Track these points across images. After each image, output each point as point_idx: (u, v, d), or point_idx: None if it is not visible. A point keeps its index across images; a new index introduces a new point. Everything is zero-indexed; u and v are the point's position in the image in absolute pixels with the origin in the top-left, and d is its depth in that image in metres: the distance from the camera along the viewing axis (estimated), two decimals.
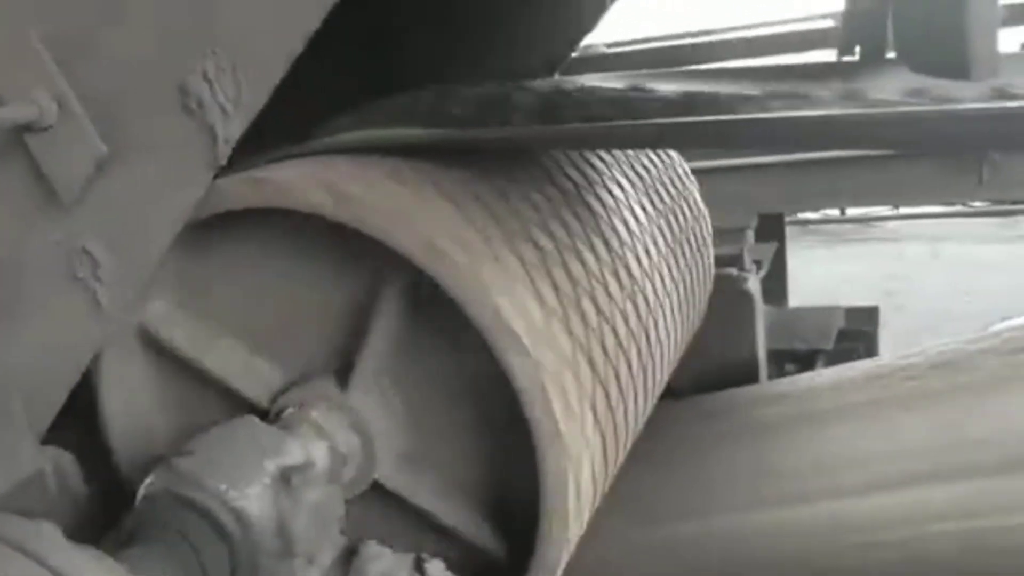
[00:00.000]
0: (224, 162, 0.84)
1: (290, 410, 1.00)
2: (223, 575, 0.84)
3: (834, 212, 6.30)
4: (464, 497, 1.02)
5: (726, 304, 1.83)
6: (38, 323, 0.93)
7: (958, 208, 5.94)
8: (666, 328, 1.32)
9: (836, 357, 2.30)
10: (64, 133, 0.84)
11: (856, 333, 2.55)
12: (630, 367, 1.15)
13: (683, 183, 1.61)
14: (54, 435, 0.99)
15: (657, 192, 1.47)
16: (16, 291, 0.93)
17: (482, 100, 1.08)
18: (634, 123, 0.97)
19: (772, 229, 2.91)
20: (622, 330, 1.14)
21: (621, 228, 1.27)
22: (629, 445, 1.22)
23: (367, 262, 0.97)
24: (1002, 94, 0.76)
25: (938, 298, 4.63)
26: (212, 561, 0.84)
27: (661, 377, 1.33)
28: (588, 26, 1.68)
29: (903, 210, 6.16)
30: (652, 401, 1.31)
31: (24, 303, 0.93)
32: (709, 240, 1.66)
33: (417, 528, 1.03)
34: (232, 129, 0.82)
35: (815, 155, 2.81)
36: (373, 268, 0.97)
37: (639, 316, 1.21)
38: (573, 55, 1.78)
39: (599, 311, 1.10)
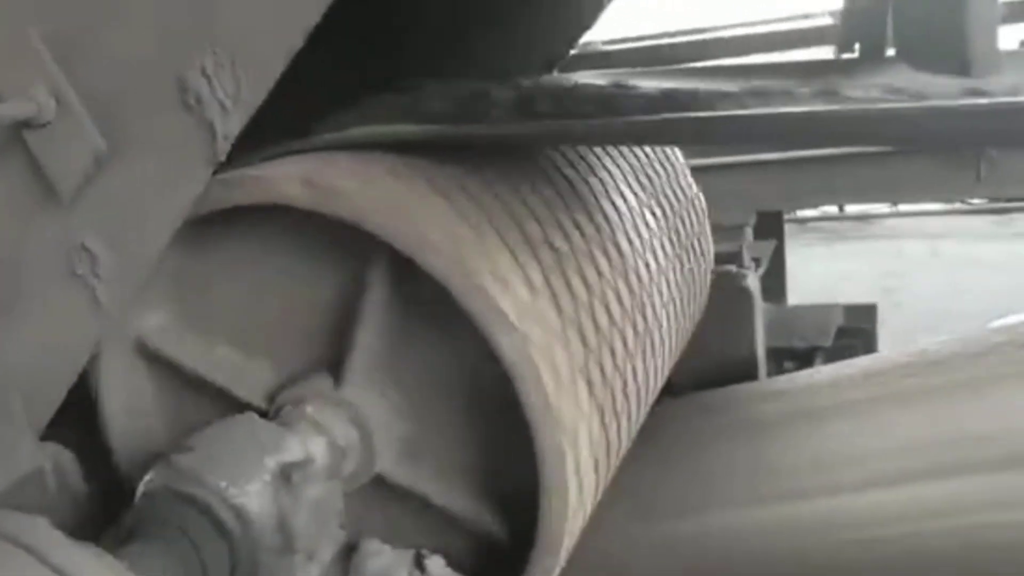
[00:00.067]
0: (223, 158, 0.84)
1: (287, 408, 1.00)
2: (223, 572, 0.84)
3: (832, 210, 6.31)
4: (468, 485, 1.02)
5: (725, 301, 1.83)
6: (37, 320, 0.93)
7: (956, 206, 5.95)
8: (663, 309, 1.32)
9: (835, 354, 2.31)
10: (63, 129, 0.84)
11: (855, 330, 2.55)
12: (624, 342, 1.15)
13: (674, 166, 1.61)
14: (53, 432, 0.99)
15: (647, 176, 1.47)
16: (15, 288, 0.93)
17: (460, 96, 1.08)
18: (612, 120, 0.97)
19: (770, 227, 2.92)
20: (615, 307, 1.14)
21: (610, 210, 1.27)
22: (631, 427, 1.22)
23: (351, 255, 0.98)
24: (976, 92, 0.77)
25: (936, 296, 4.63)
26: (212, 558, 0.84)
27: (660, 361, 1.33)
28: (587, 23, 1.68)
29: (901, 208, 6.17)
30: (653, 383, 1.31)
31: (23, 300, 0.93)
32: (706, 228, 1.66)
33: (422, 518, 1.03)
34: (231, 125, 0.82)
35: (813, 153, 2.82)
36: (357, 260, 0.98)
37: (632, 293, 1.21)
38: (571, 53, 1.78)
39: (589, 289, 1.10)
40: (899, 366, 1.73)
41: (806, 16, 3.05)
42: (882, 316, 2.75)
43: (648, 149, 1.55)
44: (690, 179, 1.66)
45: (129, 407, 1.10)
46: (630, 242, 1.27)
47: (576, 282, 1.08)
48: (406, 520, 1.03)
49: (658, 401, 1.41)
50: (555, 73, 1.65)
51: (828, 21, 2.97)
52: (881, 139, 1.45)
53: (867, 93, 0.84)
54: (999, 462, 1.43)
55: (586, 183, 1.28)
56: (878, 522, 1.44)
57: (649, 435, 1.37)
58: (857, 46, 1.21)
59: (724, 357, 1.90)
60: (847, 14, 1.28)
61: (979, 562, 1.40)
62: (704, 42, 2.93)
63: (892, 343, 2.40)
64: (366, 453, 1.00)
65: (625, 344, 1.15)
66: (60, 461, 1.00)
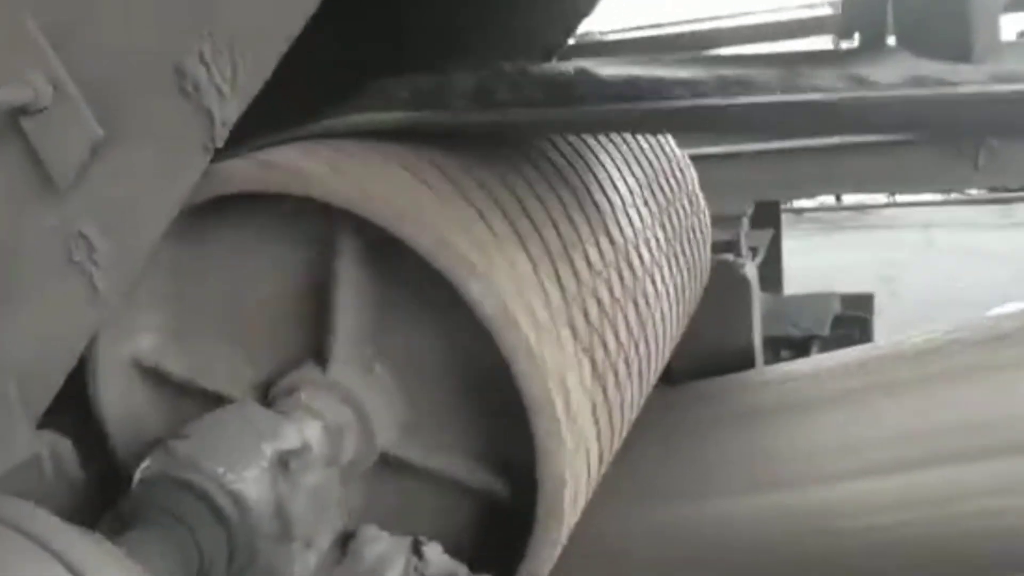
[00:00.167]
0: (221, 144, 0.83)
1: (281, 398, 1.00)
2: (221, 558, 0.85)
3: (830, 200, 6.31)
4: (472, 454, 1.02)
5: (723, 290, 1.83)
6: (35, 308, 0.93)
7: (954, 196, 5.95)
8: (659, 294, 1.32)
9: (832, 343, 2.31)
10: (59, 116, 0.84)
11: (852, 320, 2.55)
12: (626, 322, 1.16)
13: (668, 151, 1.61)
14: (50, 419, 0.99)
15: (642, 164, 1.47)
16: (12, 276, 0.92)
17: (420, 85, 1.09)
18: (586, 108, 0.97)
19: (768, 216, 2.92)
20: (616, 288, 1.15)
21: (602, 199, 1.28)
22: (630, 409, 1.23)
23: (321, 240, 0.99)
24: (999, 78, 0.76)
25: (934, 285, 4.64)
26: (210, 544, 0.84)
27: (658, 346, 1.33)
28: (584, 11, 1.67)
29: (899, 198, 6.17)
30: (651, 368, 1.31)
31: (20, 288, 0.92)
32: (704, 216, 1.66)
33: (433, 492, 1.03)
34: (229, 111, 0.81)
35: (811, 142, 2.81)
36: (327, 245, 0.98)
37: (629, 279, 1.22)
38: (570, 42, 1.77)
39: (581, 279, 1.10)
40: (894, 355, 1.73)
41: (806, 6, 3.03)
42: (879, 306, 2.76)
43: (642, 137, 1.55)
44: (688, 168, 1.66)
45: (124, 397, 1.10)
46: (622, 230, 1.27)
47: (571, 269, 1.08)
48: (419, 496, 1.04)
49: (656, 389, 1.42)
50: (553, 61, 1.64)
51: (827, 11, 2.96)
52: (903, 127, 1.44)
53: (829, 82, 0.84)
54: (993, 450, 1.44)
55: (575, 171, 1.28)
56: (872, 510, 1.45)
57: (647, 422, 1.37)
58: (856, 35, 1.20)
59: (722, 346, 1.91)
60: (847, 3, 1.28)
61: (973, 549, 1.41)
62: (704, 32, 2.92)
63: (889, 332, 2.40)
64: (364, 433, 1.00)
65: (611, 292, 1.15)
66: (57, 448, 1.00)
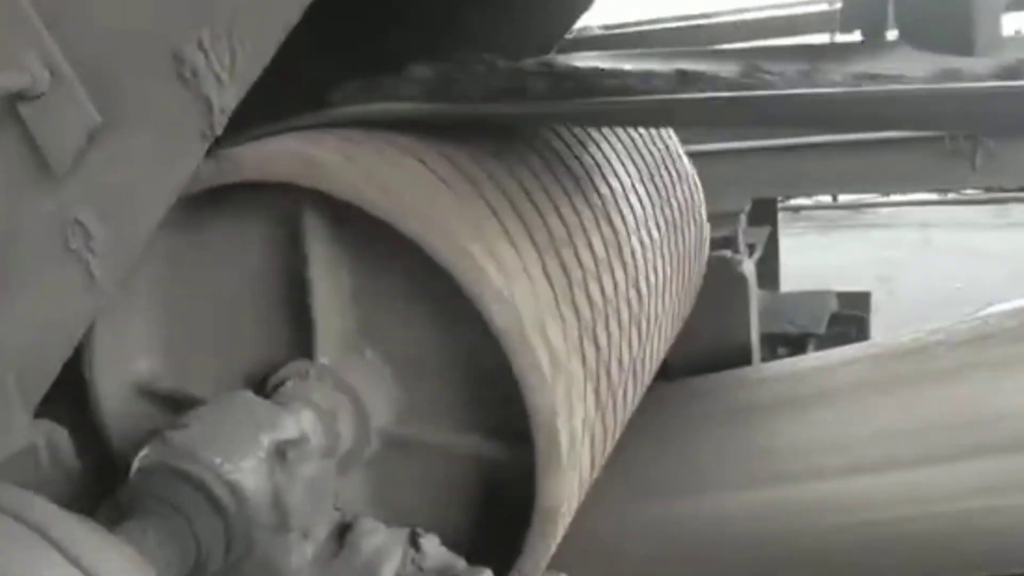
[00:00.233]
0: (220, 132, 0.83)
1: (276, 390, 1.00)
2: (218, 548, 0.84)
3: (826, 198, 6.31)
4: (471, 426, 1.02)
5: (721, 287, 1.83)
6: (31, 295, 0.92)
7: (951, 196, 5.96)
8: (656, 290, 1.33)
9: (828, 341, 2.31)
10: (57, 102, 0.83)
11: (848, 318, 2.56)
12: (619, 319, 1.16)
13: (680, 168, 1.61)
14: (47, 408, 0.99)
15: (643, 158, 1.47)
16: (9, 263, 0.92)
17: (447, 75, 1.10)
18: (596, 100, 0.98)
19: (765, 214, 2.92)
20: (608, 285, 1.15)
21: (604, 189, 1.28)
22: (627, 404, 1.22)
23: (289, 230, 0.99)
24: (1007, 73, 0.76)
25: (930, 285, 4.65)
26: (207, 534, 0.83)
27: (654, 341, 1.33)
28: (583, 6, 1.67)
29: (896, 197, 6.17)
30: (648, 363, 1.32)
31: (17, 275, 0.92)
32: (702, 213, 1.66)
33: (443, 465, 1.04)
34: (227, 99, 0.81)
35: (809, 140, 2.81)
36: (295, 233, 0.99)
37: (626, 272, 1.22)
38: (568, 37, 1.77)
39: (584, 267, 1.11)
40: (889, 353, 1.74)
41: (804, 2, 3.04)
42: (876, 304, 2.76)
43: (649, 138, 1.55)
44: (688, 165, 1.66)
45: (122, 385, 1.10)
46: (624, 220, 1.27)
47: (570, 261, 1.09)
48: (420, 473, 1.04)
49: (653, 385, 1.42)
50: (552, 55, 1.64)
51: (825, 7, 2.96)
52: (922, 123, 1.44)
53: (913, 73, 0.83)
54: (984, 447, 1.45)
55: (580, 163, 1.28)
56: (866, 506, 1.46)
57: (644, 418, 1.37)
58: (858, 31, 1.20)
59: (719, 342, 1.91)
60: None
61: (964, 546, 1.42)
62: (703, 27, 2.92)
63: (886, 331, 2.40)
64: (359, 418, 1.00)
65: (620, 321, 1.15)
66: (53, 437, 1.00)
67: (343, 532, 0.92)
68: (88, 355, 1.08)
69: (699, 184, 1.68)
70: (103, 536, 0.74)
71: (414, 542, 0.92)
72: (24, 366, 0.94)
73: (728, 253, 1.96)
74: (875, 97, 0.83)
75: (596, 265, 1.14)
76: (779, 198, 3.28)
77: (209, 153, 0.86)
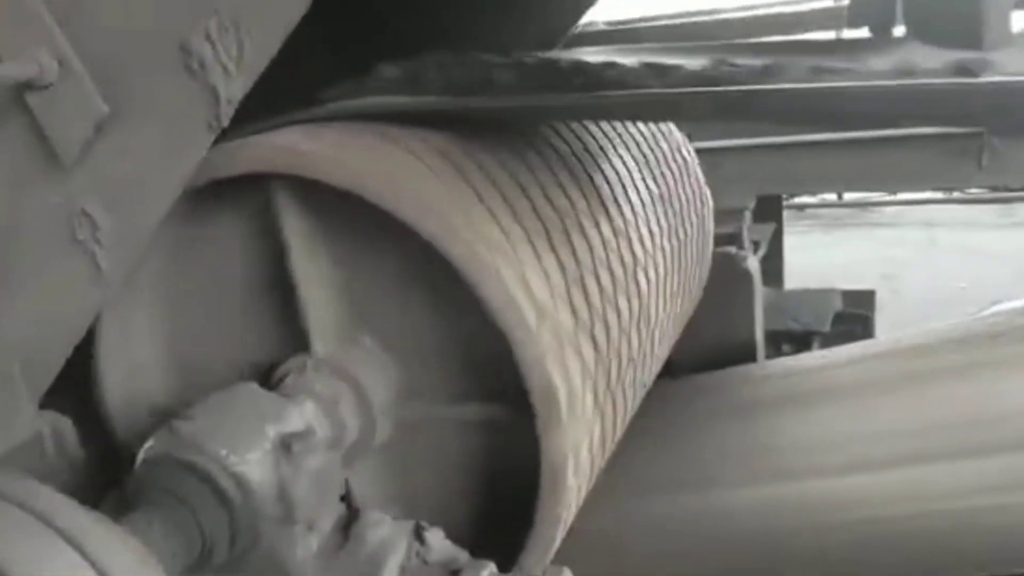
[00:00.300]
0: (227, 123, 0.83)
1: (281, 382, 1.00)
2: (223, 540, 0.84)
3: (831, 197, 6.31)
4: (474, 395, 1.03)
5: (725, 283, 1.83)
6: (38, 286, 0.92)
7: (956, 195, 5.95)
8: (658, 286, 1.32)
9: (833, 339, 2.31)
10: (65, 92, 0.83)
11: (853, 316, 2.55)
12: (619, 315, 1.15)
13: (685, 159, 1.61)
14: (52, 399, 0.99)
15: (647, 156, 1.47)
16: (16, 254, 0.92)
17: (455, 69, 1.10)
18: (604, 94, 0.98)
19: (770, 211, 2.91)
20: (606, 281, 1.15)
21: (608, 174, 1.28)
22: (630, 403, 1.22)
23: (267, 223, 1.00)
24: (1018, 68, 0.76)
25: (935, 284, 4.64)
26: (212, 526, 0.83)
27: (657, 337, 1.33)
28: (587, 2, 1.66)
29: (901, 196, 6.16)
30: (651, 360, 1.31)
31: (24, 266, 0.92)
32: (708, 210, 1.66)
33: (452, 439, 1.04)
34: (234, 90, 0.81)
35: (815, 137, 2.80)
36: (272, 225, 0.99)
37: (626, 268, 1.21)
38: (573, 32, 1.77)
39: (581, 263, 1.11)
40: (892, 352, 1.74)
41: None
42: (880, 303, 2.76)
43: (652, 132, 1.54)
44: (692, 158, 1.66)
45: (127, 376, 1.10)
46: (623, 213, 1.27)
47: (570, 256, 1.09)
48: (438, 449, 1.05)
49: (657, 381, 1.41)
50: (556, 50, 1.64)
51: (831, 3, 2.95)
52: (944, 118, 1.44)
53: (932, 67, 0.83)
54: (988, 446, 1.45)
55: (577, 157, 1.27)
56: (868, 504, 1.46)
57: (647, 414, 1.37)
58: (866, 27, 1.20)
59: (723, 339, 1.91)
60: None
61: (967, 544, 1.42)
62: (709, 23, 2.91)
63: (890, 330, 2.40)
64: (362, 405, 1.00)
65: (619, 317, 1.15)
66: (58, 428, 1.00)
67: (348, 524, 0.92)
68: (94, 346, 1.08)
69: (702, 179, 1.67)
70: (108, 526, 0.75)
71: (419, 535, 0.93)
72: (30, 356, 0.94)
73: (733, 249, 1.96)
74: (837, 92, 0.83)
75: (593, 260, 1.14)
76: (784, 196, 3.27)
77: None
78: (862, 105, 0.90)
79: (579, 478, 1.04)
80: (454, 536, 0.97)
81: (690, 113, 1.31)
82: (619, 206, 1.27)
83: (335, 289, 1.02)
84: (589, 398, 1.04)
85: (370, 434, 1.01)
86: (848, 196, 6.37)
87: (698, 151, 1.72)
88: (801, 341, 2.32)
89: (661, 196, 1.43)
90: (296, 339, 1.03)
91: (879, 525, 1.45)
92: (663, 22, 3.04)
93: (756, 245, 2.53)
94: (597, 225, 1.18)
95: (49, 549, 0.69)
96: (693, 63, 0.97)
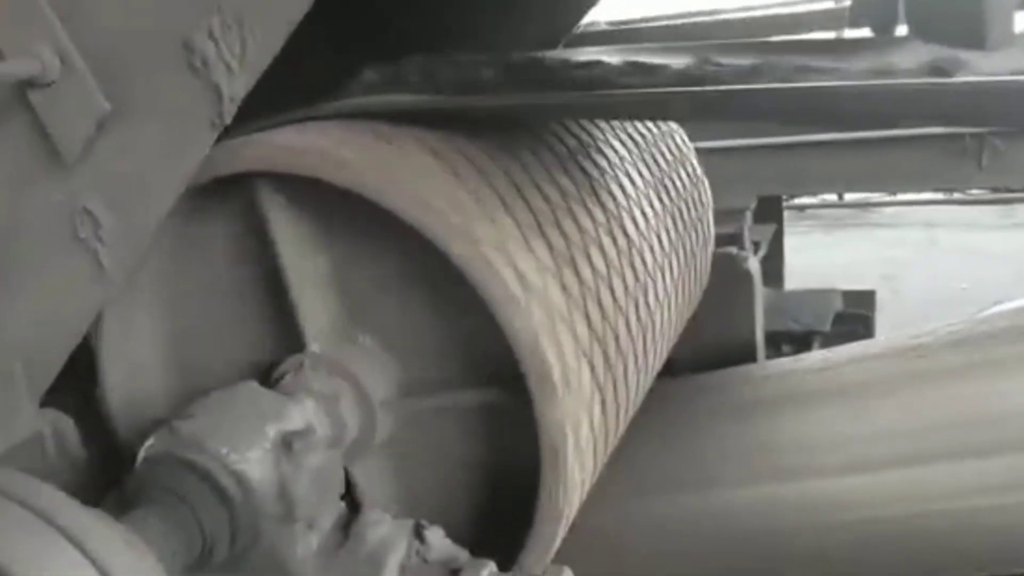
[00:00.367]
0: (229, 121, 0.83)
1: (280, 380, 1.01)
2: (223, 538, 0.84)
3: (832, 197, 6.31)
4: (472, 381, 1.03)
5: (726, 283, 1.83)
6: (40, 285, 0.92)
7: (957, 196, 5.95)
8: (664, 292, 1.32)
9: (833, 340, 2.31)
10: (67, 89, 0.83)
11: (853, 316, 2.55)
12: (625, 316, 1.16)
13: (680, 150, 1.61)
14: (53, 398, 0.99)
15: (652, 155, 1.47)
16: (18, 251, 0.92)
17: (455, 68, 1.10)
18: (608, 93, 0.98)
19: (770, 212, 2.91)
20: (619, 291, 1.15)
21: (617, 190, 1.27)
22: (633, 398, 1.22)
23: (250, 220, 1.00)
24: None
25: (935, 284, 4.65)
26: (213, 524, 0.83)
27: (660, 339, 1.33)
28: (589, 2, 1.66)
29: (901, 196, 6.16)
30: (653, 360, 1.31)
31: (26, 264, 0.92)
32: (709, 209, 1.66)
33: (460, 422, 1.04)
34: (237, 88, 0.80)
35: (816, 138, 2.81)
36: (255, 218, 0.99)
37: (635, 275, 1.22)
38: (575, 32, 1.77)
39: (594, 272, 1.10)
40: (892, 352, 1.74)
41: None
42: (880, 303, 2.76)
43: (654, 128, 1.54)
44: (695, 162, 1.66)
45: (128, 376, 1.10)
46: (616, 201, 1.27)
47: (560, 237, 1.09)
48: (443, 439, 1.05)
49: (658, 381, 1.41)
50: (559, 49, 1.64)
51: (832, 4, 2.95)
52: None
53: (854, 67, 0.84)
54: (987, 447, 1.45)
55: (591, 160, 1.27)
56: (868, 504, 1.46)
57: (648, 414, 1.37)
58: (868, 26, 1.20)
59: (724, 339, 1.90)
60: None
61: (967, 544, 1.42)
62: (711, 23, 2.91)
63: (890, 330, 2.40)
64: (362, 403, 1.00)
65: (614, 295, 1.15)
66: (59, 426, 1.00)
67: (348, 523, 0.92)
68: (96, 345, 1.08)
69: (704, 179, 1.67)
70: (109, 524, 0.75)
71: (419, 534, 0.93)
72: (31, 355, 0.94)
73: (734, 250, 1.96)
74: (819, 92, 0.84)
75: (584, 241, 1.13)
76: (784, 196, 3.28)
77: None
78: (841, 105, 0.90)
79: (583, 472, 1.04)
80: (454, 535, 0.97)
81: (671, 112, 1.31)
82: (611, 194, 1.27)
83: (328, 287, 1.02)
84: (586, 373, 1.03)
85: (371, 431, 1.01)
86: (849, 197, 6.37)
87: (699, 151, 1.72)
88: (801, 341, 2.32)
89: (659, 191, 1.43)
90: (293, 338, 1.03)
91: (879, 525, 1.45)
92: (665, 22, 3.04)
93: (757, 246, 2.53)
94: (588, 211, 1.18)
95: (50, 547, 0.69)
96: (677, 62, 0.97)
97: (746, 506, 1.53)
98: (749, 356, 1.94)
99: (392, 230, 0.93)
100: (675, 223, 1.44)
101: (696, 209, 1.57)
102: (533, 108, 1.14)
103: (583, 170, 1.24)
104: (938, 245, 5.58)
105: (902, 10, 1.02)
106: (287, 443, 0.89)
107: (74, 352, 0.97)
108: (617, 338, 1.12)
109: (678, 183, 1.51)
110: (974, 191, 5.69)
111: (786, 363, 1.95)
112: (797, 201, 5.83)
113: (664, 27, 2.99)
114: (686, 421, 1.71)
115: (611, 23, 2.94)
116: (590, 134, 1.35)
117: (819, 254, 5.00)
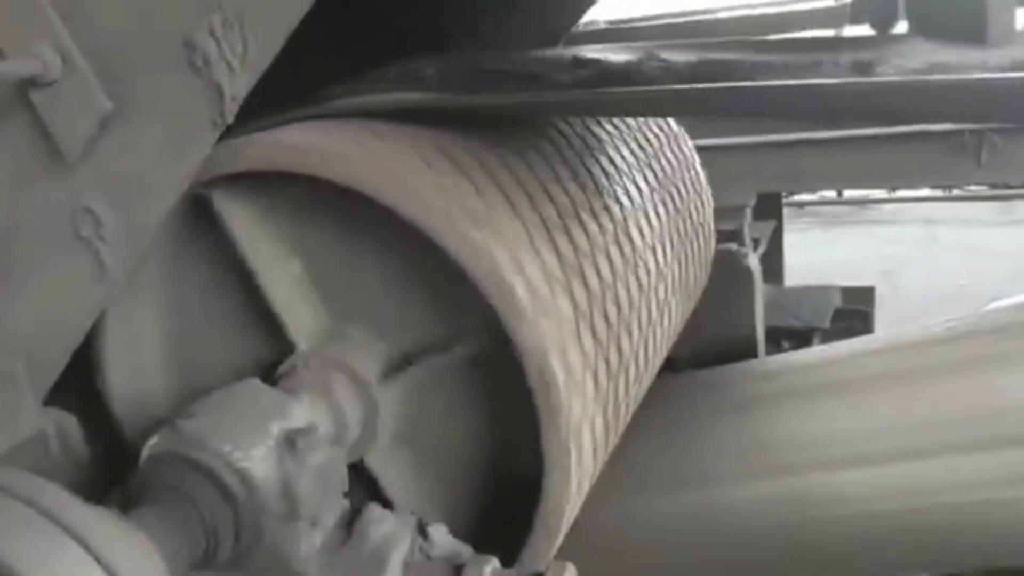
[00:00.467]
0: (231, 120, 0.83)
1: (281, 379, 1.01)
2: (227, 536, 0.84)
3: (831, 194, 6.31)
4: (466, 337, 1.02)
5: (726, 280, 1.83)
6: (42, 284, 0.92)
7: (956, 192, 5.96)
8: (662, 289, 1.32)
9: (833, 336, 2.31)
10: (68, 89, 0.83)
11: (852, 312, 2.56)
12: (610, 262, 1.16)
13: (684, 154, 1.61)
14: (56, 396, 0.99)
15: (654, 152, 1.47)
16: (19, 251, 0.92)
17: (458, 66, 1.10)
18: (613, 90, 0.98)
19: (770, 208, 2.91)
20: (623, 298, 1.15)
21: (623, 197, 1.27)
22: (634, 395, 1.22)
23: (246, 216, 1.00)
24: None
25: (934, 281, 4.65)
26: (216, 522, 0.83)
27: (660, 334, 1.33)
28: (588, 1, 1.66)
29: (901, 193, 6.17)
30: (653, 357, 1.31)
31: (27, 263, 0.92)
32: (709, 207, 1.66)
33: (467, 409, 1.05)
34: (238, 87, 0.81)
35: (815, 135, 2.81)
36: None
37: (640, 284, 1.21)
38: (574, 30, 1.77)
39: (599, 277, 1.11)
40: (892, 347, 1.74)
41: None
42: (880, 300, 2.76)
43: (656, 129, 1.54)
44: (698, 167, 1.66)
45: (132, 375, 1.10)
46: (622, 208, 1.27)
47: (589, 273, 1.09)
48: (457, 414, 1.05)
49: (658, 377, 1.42)
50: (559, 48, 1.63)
51: (831, 3, 2.95)
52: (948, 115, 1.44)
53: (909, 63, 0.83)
54: (987, 442, 1.45)
55: (595, 160, 1.28)
56: (869, 498, 1.47)
57: (649, 410, 1.37)
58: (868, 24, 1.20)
59: (724, 335, 1.91)
60: None
61: (967, 539, 1.42)
62: (710, 22, 2.91)
63: (890, 326, 2.40)
64: (362, 396, 1.01)
65: (621, 309, 1.15)
66: (63, 425, 1.00)
67: (351, 520, 0.92)
68: (98, 345, 1.08)
69: (703, 175, 1.67)
70: (114, 522, 0.75)
71: (422, 530, 0.93)
72: (34, 354, 0.94)
73: (734, 246, 1.96)
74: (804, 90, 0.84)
75: (592, 249, 1.14)
76: (784, 193, 3.28)
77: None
78: (777, 103, 0.91)
79: (584, 473, 1.04)
80: (457, 532, 0.97)
81: (664, 110, 1.31)
82: (617, 198, 1.27)
83: (306, 285, 1.02)
84: (590, 384, 1.03)
85: (373, 425, 1.01)
86: (848, 194, 6.38)
87: (698, 149, 1.72)
88: (801, 337, 2.33)
89: (660, 188, 1.43)
90: (283, 338, 1.03)
91: (879, 520, 1.45)
92: (664, 21, 3.04)
93: (756, 242, 2.53)
94: (595, 216, 1.18)
95: (54, 545, 0.69)
96: (619, 58, 0.97)
97: (746, 502, 1.53)
98: (749, 352, 1.94)
99: (375, 227, 0.93)
100: (679, 229, 1.44)
101: (699, 212, 1.58)
102: (532, 106, 1.14)
103: (590, 172, 1.24)
104: (937, 242, 5.59)
105: (902, 7, 1.02)
106: (290, 441, 0.89)
107: (77, 350, 0.97)
108: (620, 348, 1.12)
109: (682, 188, 1.51)
110: (973, 188, 5.70)
111: (786, 359, 1.95)
112: (796, 198, 5.84)
113: (664, 26, 2.99)
114: (687, 417, 1.71)
115: (610, 22, 2.94)
116: (596, 136, 1.35)
117: (818, 251, 5.00)
